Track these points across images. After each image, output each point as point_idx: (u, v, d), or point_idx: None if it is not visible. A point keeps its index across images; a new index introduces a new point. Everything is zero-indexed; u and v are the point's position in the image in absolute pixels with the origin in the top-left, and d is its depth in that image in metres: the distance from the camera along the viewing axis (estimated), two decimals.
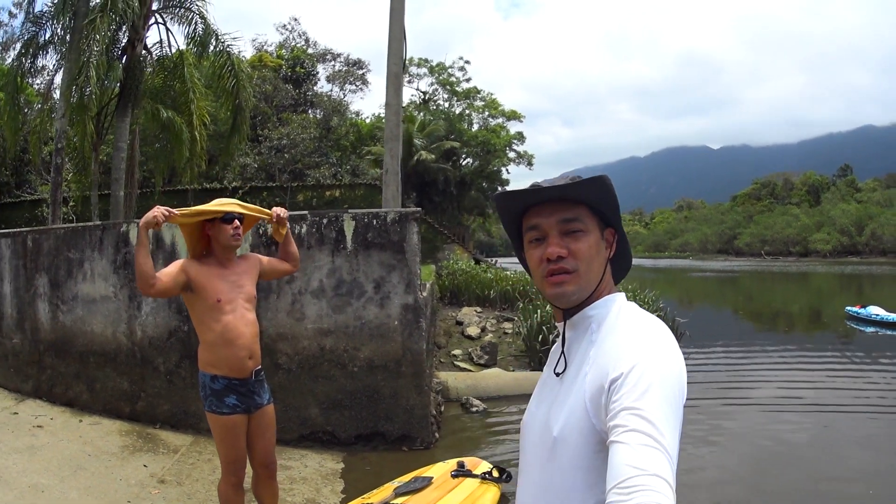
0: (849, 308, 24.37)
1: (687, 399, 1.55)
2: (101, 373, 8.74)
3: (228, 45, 18.34)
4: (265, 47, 42.60)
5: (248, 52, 39.64)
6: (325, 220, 7.91)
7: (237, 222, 4.59)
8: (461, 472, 5.45)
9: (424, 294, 8.06)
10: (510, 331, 15.27)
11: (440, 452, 7.52)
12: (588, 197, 1.72)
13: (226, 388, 4.53)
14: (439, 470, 5.56)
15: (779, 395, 11.41)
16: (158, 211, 4.23)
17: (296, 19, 44.17)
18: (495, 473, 5.53)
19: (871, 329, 21.07)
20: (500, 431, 9.07)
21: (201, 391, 4.61)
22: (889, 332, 20.09)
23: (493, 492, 5.27)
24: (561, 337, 1.80)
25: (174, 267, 4.50)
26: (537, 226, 1.75)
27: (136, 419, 8.26)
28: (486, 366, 12.34)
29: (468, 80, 55.62)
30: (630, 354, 1.51)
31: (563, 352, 1.77)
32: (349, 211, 8.02)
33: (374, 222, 7.84)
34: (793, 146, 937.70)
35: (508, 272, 23.48)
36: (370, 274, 7.80)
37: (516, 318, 15.72)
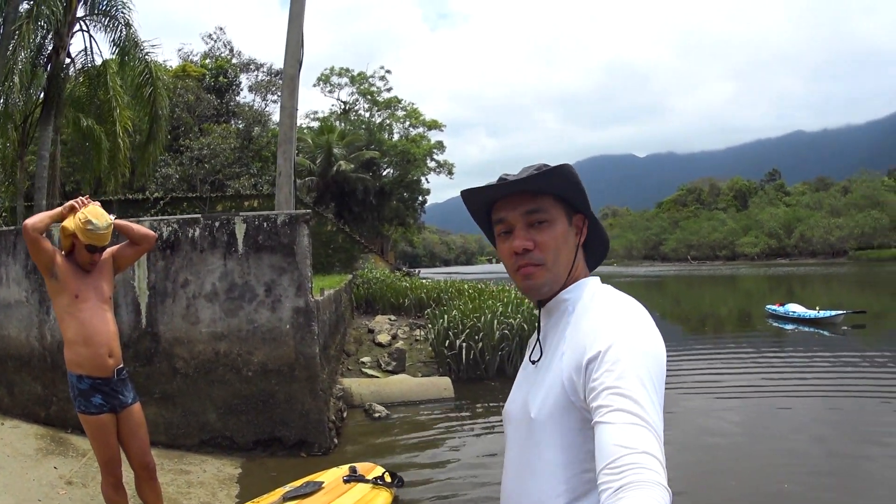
0: (769, 307, 24.88)
1: None
2: (19, 377, 8.54)
3: (147, 53, 18.02)
4: (190, 57, 41.91)
5: (173, 62, 39.02)
6: (216, 224, 7.76)
7: (97, 256, 4.67)
8: (353, 478, 5.42)
9: (318, 298, 7.98)
10: (420, 338, 15.26)
11: (338, 458, 7.42)
12: (550, 187, 1.69)
13: (91, 387, 4.51)
14: (331, 475, 5.52)
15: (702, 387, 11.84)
16: (78, 200, 4.54)
17: (221, 28, 43.19)
18: (387, 478, 5.51)
19: (790, 326, 21.64)
20: (401, 436, 8.99)
21: (71, 392, 4.59)
22: (806, 329, 20.62)
23: (384, 496, 5.25)
24: (537, 324, 1.80)
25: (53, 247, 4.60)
26: (503, 219, 1.73)
27: (51, 423, 8.05)
28: (394, 372, 12.26)
29: (389, 90, 55.51)
30: (607, 332, 1.50)
31: (538, 339, 1.76)
32: (240, 214, 7.90)
33: (265, 225, 7.73)
34: (720, 152, 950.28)
35: (425, 280, 23.49)
36: (261, 277, 7.67)
37: (426, 325, 15.73)
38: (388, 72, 55.45)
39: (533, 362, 1.74)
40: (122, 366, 4.72)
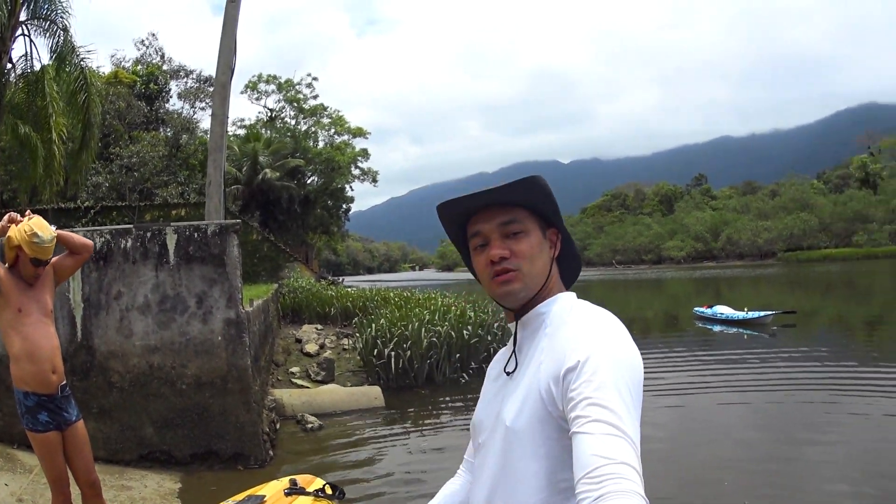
0: (696, 309, 25.15)
1: None
2: None
3: (83, 59, 17.63)
4: (123, 63, 41.05)
5: (106, 68, 38.00)
6: (148, 234, 7.62)
7: (41, 269, 4.59)
8: (294, 491, 5.33)
9: (248, 309, 7.90)
10: (348, 347, 15.19)
11: (275, 470, 7.34)
12: (522, 198, 1.73)
13: (37, 404, 4.43)
14: (272, 489, 5.43)
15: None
16: (11, 216, 4.40)
17: (153, 34, 42.51)
18: (329, 491, 5.45)
19: (718, 328, 21.90)
20: (336, 447, 8.94)
21: (18, 408, 4.50)
22: (735, 330, 20.90)
23: None
24: (513, 337, 1.80)
25: None
26: (479, 232, 1.76)
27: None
28: (323, 382, 12.15)
29: (315, 98, 55.03)
30: (585, 344, 1.51)
31: (514, 351, 1.77)
32: (171, 224, 7.79)
33: (196, 235, 7.62)
34: (646, 158, 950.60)
35: (350, 289, 23.38)
36: (192, 288, 7.57)
37: (354, 334, 15.67)
38: (314, 79, 55.16)
39: (508, 373, 1.76)
40: (65, 382, 4.61)
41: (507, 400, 1.68)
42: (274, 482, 5.63)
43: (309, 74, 57.06)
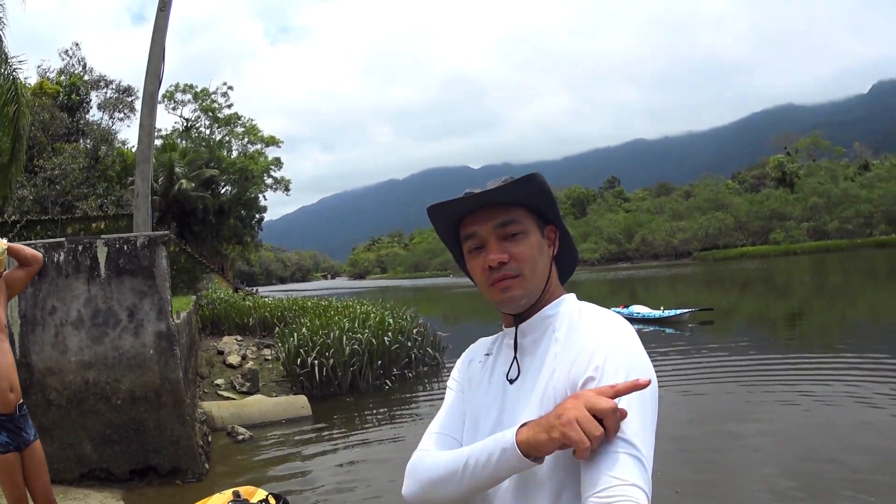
0: (613, 309, 25.19)
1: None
2: None
3: (14, 70, 17.02)
4: (48, 74, 39.78)
5: (32, 79, 36.75)
6: (80, 247, 7.42)
7: None
8: (238, 502, 5.31)
9: (178, 321, 7.77)
10: (270, 357, 15.04)
11: (213, 483, 7.28)
12: (522, 197, 1.64)
13: None
14: (217, 501, 5.37)
15: None
16: None
17: (77, 44, 41.26)
18: (272, 501, 5.42)
19: (636, 327, 22.02)
20: (269, 457, 8.88)
21: None
22: (652, 328, 21.03)
23: None
24: (513, 342, 1.70)
25: None
26: (474, 234, 1.65)
27: None
28: (248, 393, 12.01)
29: (230, 107, 54.33)
30: (601, 352, 1.45)
31: (515, 357, 1.68)
32: (102, 237, 7.62)
33: (126, 248, 7.45)
34: (557, 162, 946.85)
35: (267, 299, 23.11)
36: (123, 301, 7.38)
37: (275, 345, 15.51)
38: (230, 88, 54.58)
39: (511, 381, 1.66)
40: (21, 401, 4.45)
41: (516, 409, 1.59)
42: (217, 495, 5.56)
43: (225, 83, 56.21)
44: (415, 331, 15.43)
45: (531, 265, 1.62)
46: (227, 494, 5.49)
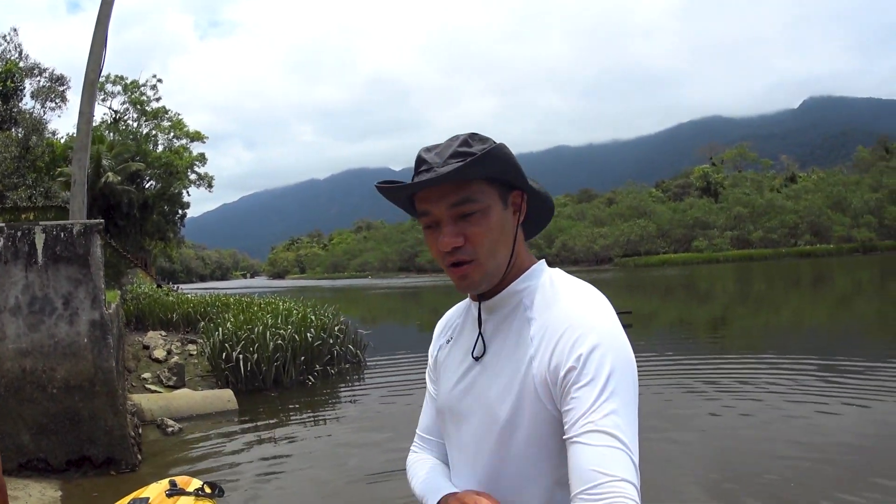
0: None
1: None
2: None
3: None
4: None
5: None
6: (19, 233, 7.27)
7: None
8: (175, 492, 5.30)
9: (110, 311, 7.71)
10: (195, 352, 14.90)
11: (146, 474, 7.24)
12: (482, 172, 1.44)
13: None
14: (154, 491, 5.37)
15: None
16: None
17: (14, 30, 39.78)
18: (207, 489, 5.45)
19: None
20: (199, 449, 8.84)
21: None
22: None
23: None
24: (476, 318, 1.60)
25: None
26: (427, 212, 1.50)
27: None
28: (175, 387, 11.91)
29: (158, 100, 52.80)
30: (584, 337, 1.36)
31: (480, 333, 1.58)
32: (40, 223, 7.51)
33: (62, 235, 7.33)
34: None
35: (190, 295, 22.84)
36: (59, 289, 7.26)
37: (199, 340, 15.38)
38: (159, 81, 53.01)
39: (476, 359, 1.57)
40: None
41: (488, 389, 1.51)
42: (154, 485, 5.58)
43: (154, 76, 54.58)
44: (336, 328, 15.42)
45: (489, 247, 1.47)
46: (164, 484, 5.51)
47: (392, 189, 1.52)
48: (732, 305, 30.67)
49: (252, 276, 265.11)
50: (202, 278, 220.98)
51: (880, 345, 16.08)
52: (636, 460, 1.26)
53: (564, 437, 1.32)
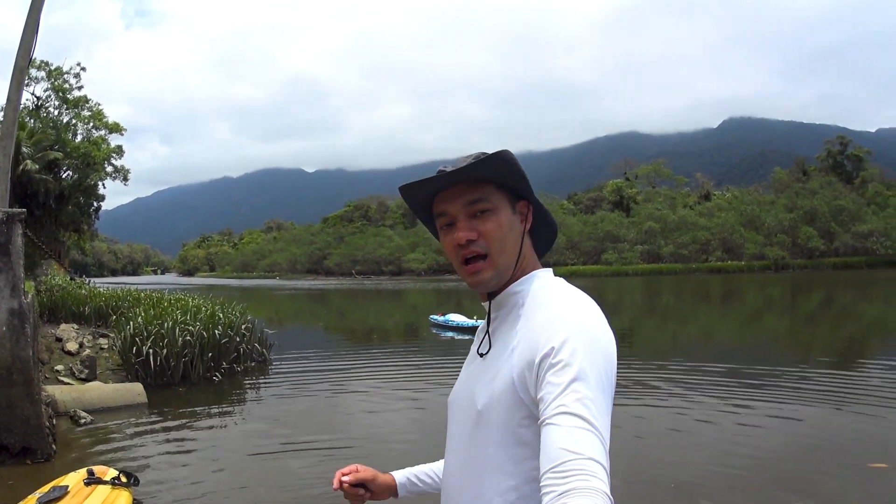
0: (432, 316, 25.37)
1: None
2: None
3: None
4: None
5: None
6: None
7: None
8: (93, 480, 5.38)
9: (28, 300, 7.62)
10: (106, 345, 14.67)
11: (61, 464, 7.18)
12: (490, 174, 1.55)
13: None
14: (72, 479, 5.43)
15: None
16: None
17: None
18: (123, 479, 5.53)
19: (450, 334, 22.14)
20: (111, 440, 8.80)
21: None
22: (466, 336, 20.87)
23: (125, 496, 5.29)
24: (486, 317, 1.68)
25: None
26: (445, 212, 1.60)
27: None
28: (87, 380, 11.68)
29: (80, 88, 49.83)
30: (560, 330, 1.38)
31: (487, 332, 1.65)
32: None
33: None
34: (392, 171, 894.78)
35: (101, 289, 22.31)
36: None
37: (111, 334, 15.14)
38: (83, 69, 50.01)
39: (481, 355, 1.63)
40: None
41: (478, 382, 1.57)
42: (73, 474, 5.65)
43: (78, 64, 51.47)
44: (243, 326, 15.33)
45: (500, 243, 1.56)
46: (82, 473, 5.58)
47: (413, 188, 1.61)
48: (640, 317, 30.74)
49: (162, 273, 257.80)
50: (113, 273, 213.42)
51: (786, 356, 16.61)
52: (606, 444, 1.25)
53: (539, 421, 1.31)
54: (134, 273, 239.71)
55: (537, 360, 1.37)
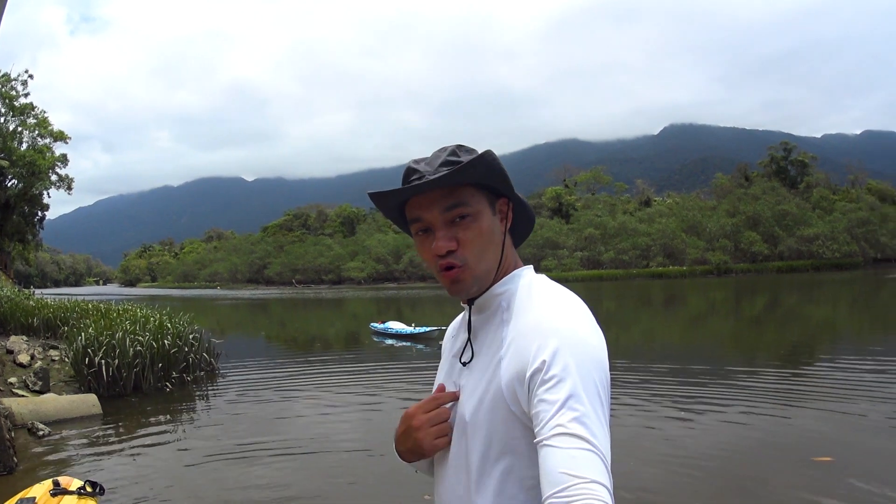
0: (372, 324, 25.35)
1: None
2: None
3: None
4: None
5: None
6: None
7: None
8: (59, 491, 5.37)
9: None
10: (57, 357, 14.43)
11: (24, 475, 7.16)
12: (472, 178, 1.43)
13: None
14: (38, 491, 5.42)
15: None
16: None
17: None
18: (89, 488, 5.55)
19: (390, 341, 22.13)
20: (71, 451, 8.71)
21: None
22: (405, 344, 21.22)
23: None
24: (467, 323, 1.57)
25: None
26: (419, 218, 1.47)
27: None
28: (40, 391, 11.50)
29: (27, 96, 48.42)
30: (550, 340, 1.29)
31: (469, 339, 1.55)
32: None
33: None
34: (331, 180, 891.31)
35: (49, 300, 21.85)
36: None
37: (61, 346, 14.90)
38: (30, 76, 48.62)
39: (464, 364, 1.53)
40: None
41: (464, 391, 1.49)
42: (38, 485, 5.64)
43: (26, 71, 49.82)
44: (191, 336, 15.18)
45: (480, 251, 1.45)
46: (47, 484, 5.57)
47: (384, 195, 1.48)
48: None
49: (104, 283, 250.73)
50: (56, 283, 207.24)
51: (731, 358, 16.75)
52: (608, 462, 1.18)
53: (535, 440, 1.24)
54: (76, 284, 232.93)
55: (528, 375, 1.30)
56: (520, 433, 1.35)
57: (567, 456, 1.16)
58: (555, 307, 1.39)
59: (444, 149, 1.49)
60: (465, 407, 1.45)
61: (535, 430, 1.24)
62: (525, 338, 1.35)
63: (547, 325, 1.33)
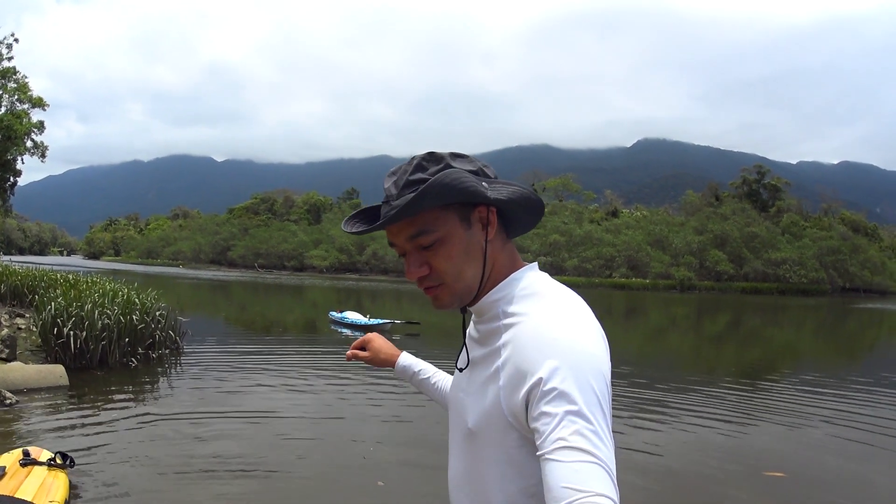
0: (331, 313, 25.03)
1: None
2: None
3: None
4: None
5: None
6: None
7: None
8: (29, 461, 5.19)
9: None
10: (23, 325, 14.04)
11: None
12: (428, 206, 1.31)
13: None
14: (8, 460, 5.22)
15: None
16: None
17: None
18: (59, 460, 5.37)
19: (347, 331, 21.79)
20: (40, 421, 8.39)
21: None
22: (360, 334, 20.85)
23: (62, 477, 5.13)
24: (462, 329, 1.53)
25: None
26: (393, 244, 1.41)
27: None
28: (7, 360, 11.01)
29: (10, 59, 46.53)
30: (549, 351, 1.22)
31: (464, 344, 1.50)
32: None
33: None
34: (300, 166, 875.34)
35: (17, 267, 21.23)
36: None
37: (28, 315, 14.49)
38: (16, 40, 46.92)
39: (460, 370, 1.50)
40: None
41: (466, 397, 1.44)
42: (7, 454, 5.45)
43: (12, 34, 47.69)
44: (158, 313, 14.76)
45: (455, 272, 1.37)
46: (17, 454, 5.39)
47: (359, 233, 1.44)
48: None
49: (68, 254, 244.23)
50: (21, 251, 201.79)
51: (689, 373, 16.18)
52: (613, 472, 1.11)
53: (537, 453, 1.16)
54: (41, 252, 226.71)
55: (527, 387, 1.22)
56: (519, 443, 1.30)
57: (570, 470, 1.09)
58: (553, 314, 1.29)
59: (411, 161, 1.38)
60: (468, 414, 1.40)
61: (537, 444, 1.17)
62: (524, 348, 1.27)
63: (545, 335, 1.25)
